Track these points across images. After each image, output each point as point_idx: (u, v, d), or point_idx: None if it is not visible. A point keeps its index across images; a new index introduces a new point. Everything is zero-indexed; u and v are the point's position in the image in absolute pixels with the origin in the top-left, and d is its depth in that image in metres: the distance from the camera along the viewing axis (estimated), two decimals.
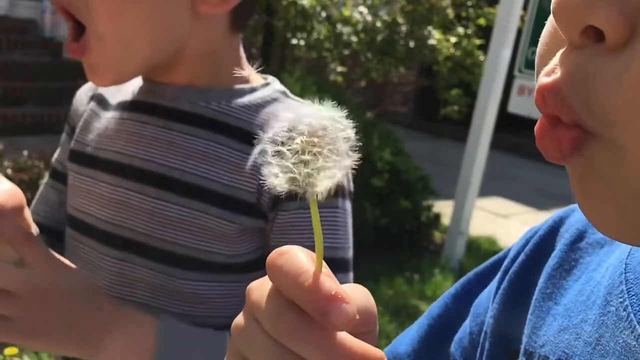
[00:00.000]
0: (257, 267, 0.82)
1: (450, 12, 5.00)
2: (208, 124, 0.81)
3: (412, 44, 4.88)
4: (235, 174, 0.79)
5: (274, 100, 0.85)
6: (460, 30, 4.97)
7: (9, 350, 2.27)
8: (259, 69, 0.89)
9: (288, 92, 0.89)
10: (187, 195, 0.79)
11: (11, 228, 0.67)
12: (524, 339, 0.46)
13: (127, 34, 0.75)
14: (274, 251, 0.35)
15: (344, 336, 0.33)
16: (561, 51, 0.29)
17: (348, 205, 0.84)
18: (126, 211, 0.81)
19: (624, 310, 0.38)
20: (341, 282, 0.84)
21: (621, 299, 0.38)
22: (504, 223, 5.50)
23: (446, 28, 5.01)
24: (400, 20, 4.90)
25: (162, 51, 0.78)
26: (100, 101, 0.91)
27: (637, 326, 0.36)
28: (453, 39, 4.86)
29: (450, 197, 4.46)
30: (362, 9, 4.98)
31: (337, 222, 0.81)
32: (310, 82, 4.21)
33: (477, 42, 4.91)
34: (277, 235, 0.79)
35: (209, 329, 0.75)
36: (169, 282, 0.79)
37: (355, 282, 0.50)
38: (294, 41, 4.92)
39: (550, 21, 0.31)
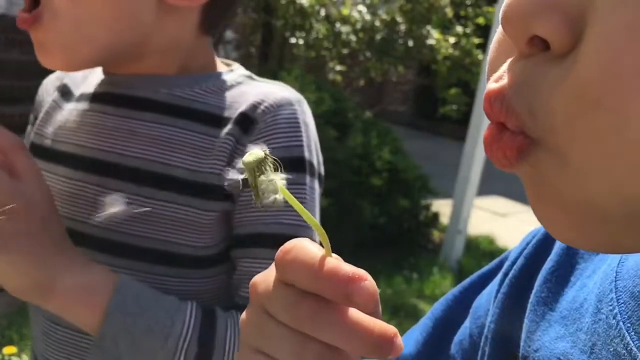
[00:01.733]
0: (226, 258, 0.79)
1: (449, 11, 5.00)
2: (171, 111, 0.79)
3: (411, 43, 4.88)
4: (200, 158, 0.76)
5: (239, 83, 0.83)
6: (459, 29, 4.97)
7: (8, 350, 2.27)
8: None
9: (254, 75, 0.87)
10: (150, 184, 0.76)
11: (4, 136, 0.65)
12: (521, 343, 0.46)
13: (84, 15, 0.71)
14: (279, 250, 0.36)
15: (361, 315, 0.34)
16: (511, 59, 0.29)
17: (316, 184, 0.81)
18: (86, 206, 0.78)
19: (614, 318, 0.38)
20: None
21: (611, 307, 0.39)
22: (503, 222, 5.50)
23: (445, 27, 5.02)
24: (399, 19, 4.90)
25: (123, 40, 0.75)
26: (64, 93, 0.88)
27: (626, 334, 0.36)
28: (452, 39, 4.86)
29: (448, 196, 4.46)
30: (361, 7, 4.98)
31: (303, 199, 0.78)
32: (309, 81, 4.21)
33: (476, 41, 4.91)
34: (241, 212, 0.77)
35: (172, 296, 0.73)
36: (135, 278, 0.75)
37: None
38: (293, 40, 4.92)
39: (500, 29, 0.31)
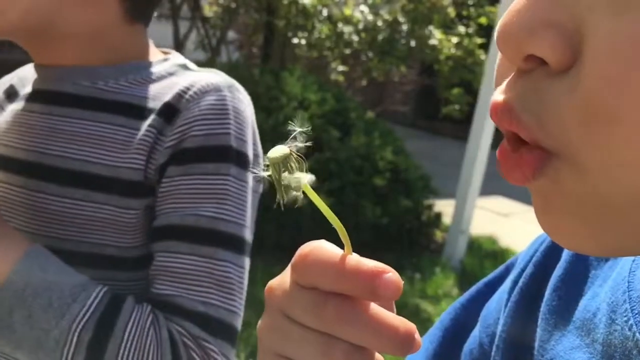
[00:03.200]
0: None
1: (451, 11, 5.00)
2: (92, 104, 0.76)
3: (413, 43, 4.88)
4: (120, 153, 0.73)
5: (171, 74, 0.79)
6: (461, 29, 4.97)
7: None
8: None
9: (190, 64, 0.83)
10: (70, 184, 0.73)
11: None
12: (534, 352, 0.45)
13: None
14: (297, 254, 0.35)
15: (386, 313, 0.34)
16: (514, 72, 0.29)
17: (247, 177, 0.76)
18: (9, 209, 0.76)
19: (629, 329, 0.37)
20: (231, 263, 0.74)
21: (626, 318, 0.38)
22: (505, 222, 5.50)
23: (447, 27, 5.02)
24: (401, 19, 4.90)
25: (14, 22, 0.72)
26: (10, 94, 0.86)
27: None
28: (454, 39, 4.86)
29: (451, 196, 4.46)
30: (363, 7, 4.98)
31: (227, 191, 0.73)
32: (311, 81, 4.21)
33: (478, 41, 4.91)
34: (160, 203, 0.74)
35: (85, 276, 0.70)
36: None
37: None
38: (295, 40, 4.92)
39: None
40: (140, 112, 0.75)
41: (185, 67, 0.82)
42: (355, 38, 4.85)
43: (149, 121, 0.74)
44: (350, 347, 0.34)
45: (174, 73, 0.80)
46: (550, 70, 0.27)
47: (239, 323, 0.75)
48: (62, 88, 0.78)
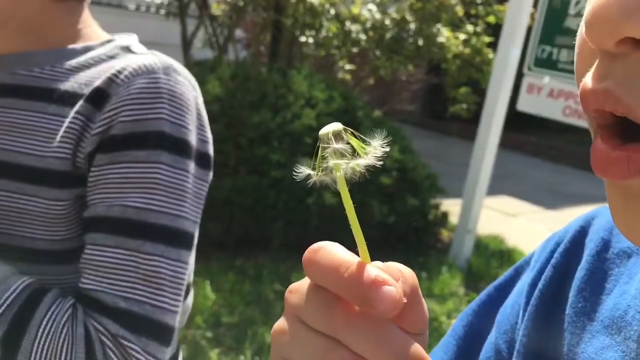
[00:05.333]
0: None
1: (460, 10, 4.98)
2: (27, 94, 0.74)
3: (420, 41, 4.87)
4: (49, 142, 0.71)
5: (111, 57, 0.76)
6: (470, 27, 4.95)
7: None
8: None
9: (134, 46, 0.80)
10: (3, 176, 0.71)
11: None
12: (564, 357, 0.44)
13: None
14: (307, 250, 0.33)
15: (397, 330, 0.32)
16: (598, 60, 0.28)
17: (188, 165, 0.73)
18: None
19: None
20: (162, 256, 0.71)
21: None
22: (512, 222, 5.48)
23: (455, 26, 5.00)
24: (409, 17, 4.88)
25: None
26: None
27: None
28: (462, 36, 4.84)
29: (458, 195, 4.45)
30: (371, 6, 4.97)
31: (157, 179, 0.70)
32: (318, 79, 4.21)
33: (486, 39, 4.89)
34: (89, 193, 0.71)
35: (7, 268, 0.68)
36: None
37: None
38: (303, 39, 4.91)
39: (581, 32, 0.30)
40: (72, 99, 0.73)
41: (127, 49, 0.78)
42: (362, 37, 4.84)
43: (76, 108, 0.72)
44: (351, 357, 0.31)
45: (114, 56, 0.77)
46: None
47: (171, 319, 0.71)
48: (1, 79, 0.76)
